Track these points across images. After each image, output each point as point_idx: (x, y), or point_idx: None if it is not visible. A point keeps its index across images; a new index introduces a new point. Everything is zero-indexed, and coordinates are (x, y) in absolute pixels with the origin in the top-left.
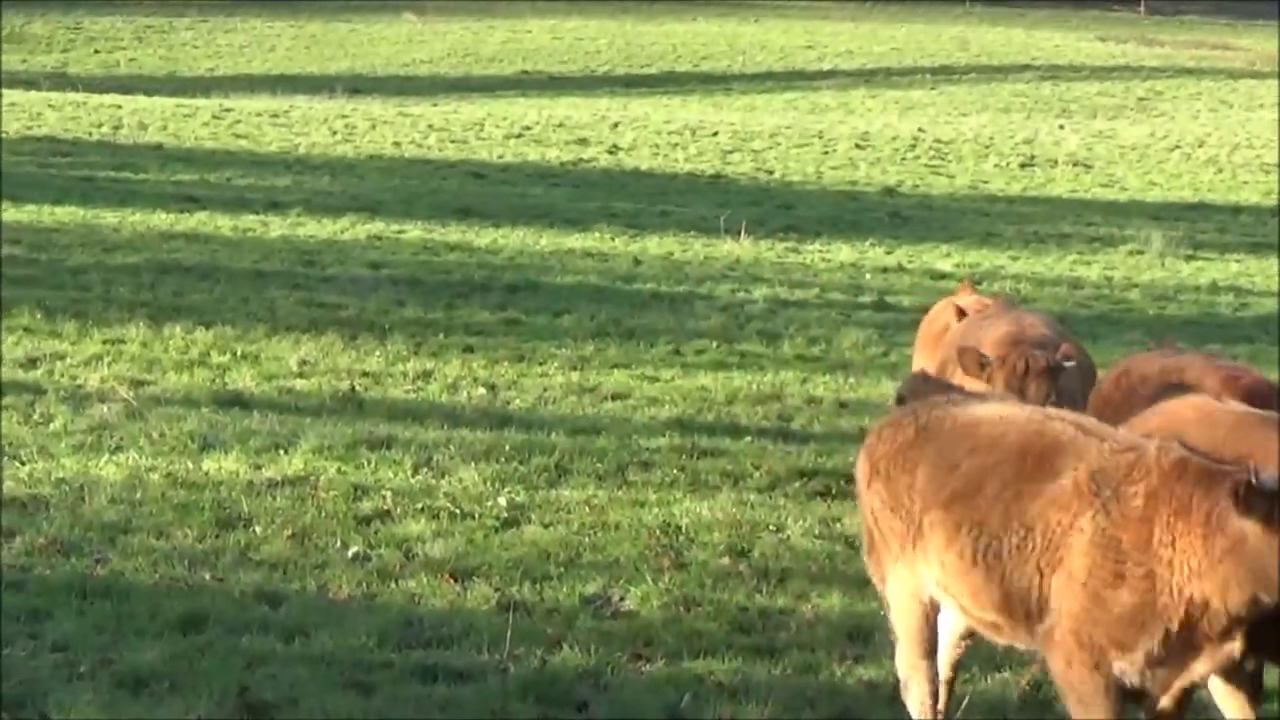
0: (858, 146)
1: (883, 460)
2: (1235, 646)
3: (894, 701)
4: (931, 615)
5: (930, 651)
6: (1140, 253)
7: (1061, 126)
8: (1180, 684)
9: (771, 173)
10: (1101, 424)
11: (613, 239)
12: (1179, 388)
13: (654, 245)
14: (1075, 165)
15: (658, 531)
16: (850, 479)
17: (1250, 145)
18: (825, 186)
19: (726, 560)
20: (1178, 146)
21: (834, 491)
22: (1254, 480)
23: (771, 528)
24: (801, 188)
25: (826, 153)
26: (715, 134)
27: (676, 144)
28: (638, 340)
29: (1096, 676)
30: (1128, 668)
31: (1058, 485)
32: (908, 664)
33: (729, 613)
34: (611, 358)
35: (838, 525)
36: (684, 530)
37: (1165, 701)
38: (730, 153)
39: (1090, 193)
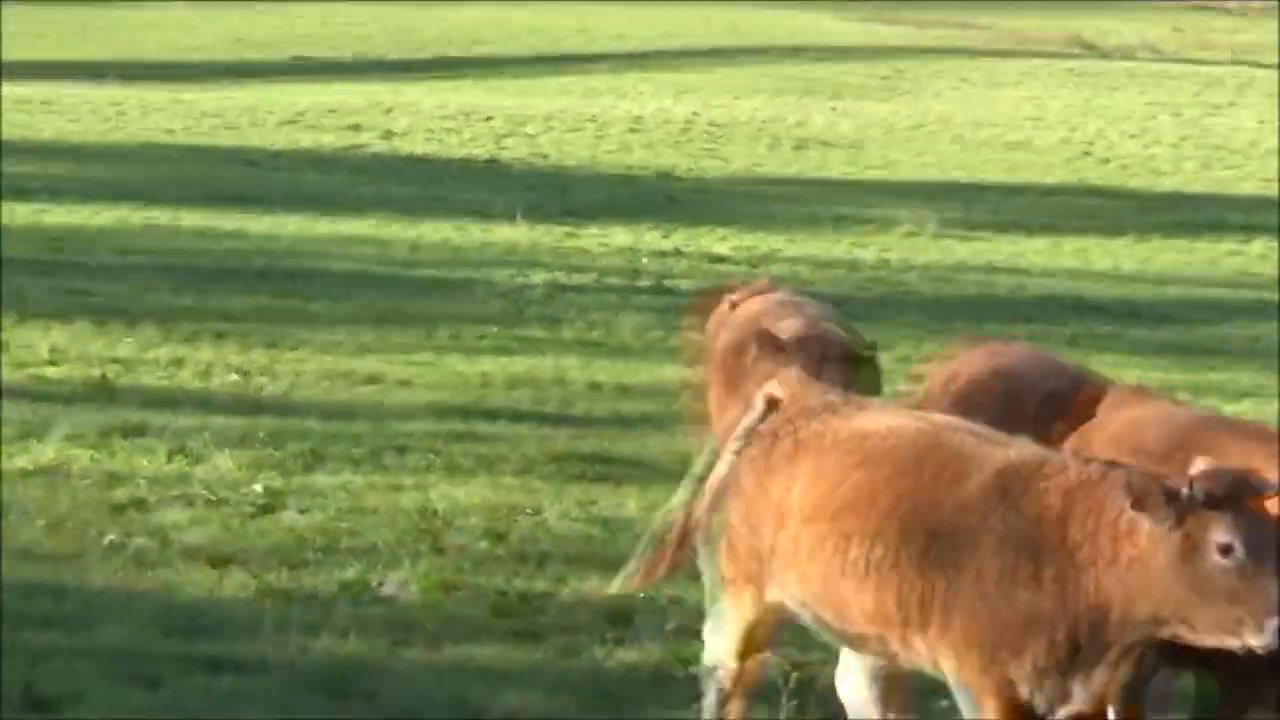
0: (631, 130)
1: (761, 474)
2: (1118, 675)
3: (654, 684)
4: (771, 624)
5: (749, 654)
6: (916, 234)
7: (834, 109)
8: (1067, 707)
9: (546, 157)
10: (999, 432)
11: (389, 225)
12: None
13: (431, 231)
14: (823, 144)
15: (415, 516)
16: (608, 461)
17: (994, 124)
18: (600, 171)
19: (485, 544)
20: (921, 125)
21: (589, 475)
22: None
23: (528, 511)
24: (577, 172)
25: (600, 137)
26: (489, 119)
27: (451, 129)
28: (419, 326)
29: (988, 678)
30: (1016, 675)
31: (964, 490)
32: (720, 657)
33: (489, 597)
34: (389, 343)
35: (594, 508)
36: (441, 514)
37: None
38: (505, 137)
39: (864, 174)
